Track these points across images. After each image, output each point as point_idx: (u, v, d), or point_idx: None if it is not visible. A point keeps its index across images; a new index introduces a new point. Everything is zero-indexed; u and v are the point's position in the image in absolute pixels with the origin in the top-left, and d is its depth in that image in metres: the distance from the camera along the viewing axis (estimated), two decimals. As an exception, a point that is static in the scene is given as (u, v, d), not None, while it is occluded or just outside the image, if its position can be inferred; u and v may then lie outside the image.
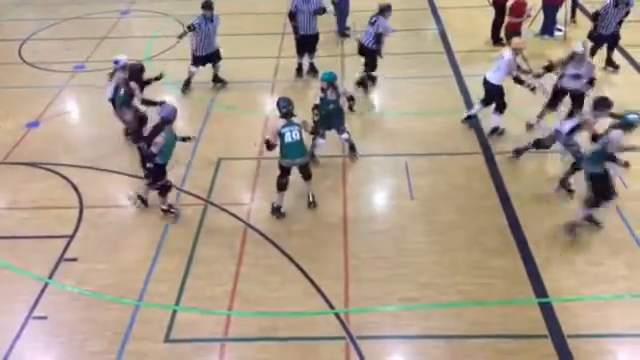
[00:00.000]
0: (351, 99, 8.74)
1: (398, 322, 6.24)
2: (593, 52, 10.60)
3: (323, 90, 8.21)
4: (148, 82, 8.79)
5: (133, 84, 8.42)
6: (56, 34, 13.52)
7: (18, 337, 6.21)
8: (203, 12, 10.07)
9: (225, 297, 6.57)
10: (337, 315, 6.31)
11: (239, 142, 9.18)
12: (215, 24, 10.28)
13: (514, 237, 7.23)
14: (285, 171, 7.52)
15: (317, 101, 8.25)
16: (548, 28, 12.16)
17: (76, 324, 6.34)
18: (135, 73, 8.50)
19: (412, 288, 6.60)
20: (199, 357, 5.96)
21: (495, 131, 9.08)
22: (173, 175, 8.42)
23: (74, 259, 7.16)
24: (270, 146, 7.41)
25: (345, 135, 8.54)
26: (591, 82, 8.65)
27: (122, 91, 8.37)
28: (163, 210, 7.68)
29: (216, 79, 10.76)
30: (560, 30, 12.23)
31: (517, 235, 7.25)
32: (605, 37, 10.59)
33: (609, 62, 10.91)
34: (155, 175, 7.45)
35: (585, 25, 12.55)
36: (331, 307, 6.40)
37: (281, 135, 7.29)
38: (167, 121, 7.32)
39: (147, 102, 8.56)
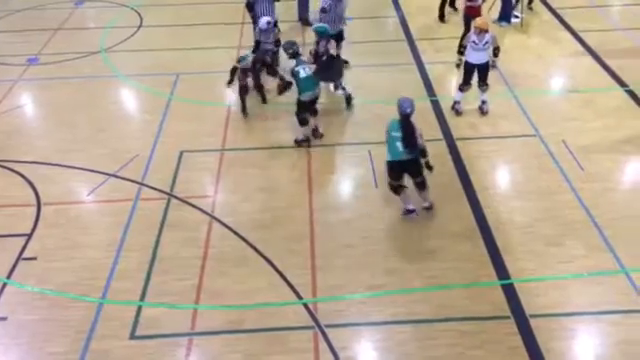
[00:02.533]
0: (337, 58, 9.39)
1: (365, 309, 6.29)
2: None
3: (315, 48, 9.06)
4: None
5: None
6: (8, 26, 13.06)
7: (-24, 340, 6.03)
8: None
9: (191, 291, 6.50)
10: (305, 305, 6.32)
11: (201, 134, 9.06)
12: (344, 4, 10.19)
13: (476, 222, 7.35)
14: (304, 107, 8.40)
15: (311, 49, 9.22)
16: (506, 15, 12.33)
17: (37, 324, 6.18)
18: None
19: (378, 275, 6.66)
20: (166, 353, 5.89)
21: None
22: (132, 169, 8.30)
23: (33, 258, 6.97)
24: (289, 84, 8.66)
25: (340, 92, 9.50)
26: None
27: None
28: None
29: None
30: (517, 17, 12.42)
31: (479, 220, 7.38)
32: None
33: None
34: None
35: (542, 11, 12.86)
36: (299, 297, 6.40)
37: (296, 73, 8.27)
38: None
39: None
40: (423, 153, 7.02)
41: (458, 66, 9.38)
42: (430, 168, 7.19)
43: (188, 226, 7.40)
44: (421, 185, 7.25)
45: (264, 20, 9.63)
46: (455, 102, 9.44)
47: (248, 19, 10.87)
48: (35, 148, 8.88)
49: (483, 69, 9.13)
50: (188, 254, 6.98)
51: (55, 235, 7.30)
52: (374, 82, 10.44)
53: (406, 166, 7.06)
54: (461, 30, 10.95)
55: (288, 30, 12.06)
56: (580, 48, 11.30)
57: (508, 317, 6.13)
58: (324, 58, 8.96)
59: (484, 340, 5.91)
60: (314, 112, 8.67)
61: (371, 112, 9.48)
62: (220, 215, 7.55)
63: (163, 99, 10.05)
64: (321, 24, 9.26)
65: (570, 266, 6.69)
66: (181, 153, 8.65)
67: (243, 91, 9.35)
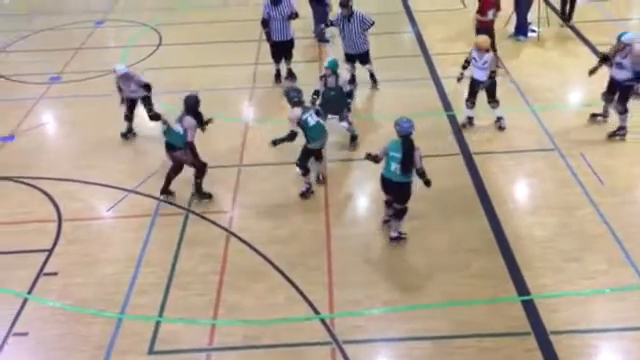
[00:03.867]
0: (349, 96, 8.87)
1: (383, 325, 6.25)
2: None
3: (324, 77, 8.67)
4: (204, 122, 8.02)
5: (191, 122, 7.70)
6: (30, 46, 13.36)
7: (-2, 355, 6.11)
8: (340, 10, 9.92)
9: (209, 306, 6.52)
10: (322, 320, 6.30)
11: (219, 150, 9.14)
12: (353, 24, 9.89)
13: (495, 237, 7.29)
14: (311, 154, 7.91)
15: (318, 87, 8.70)
16: (522, 28, 12.32)
17: (58, 339, 6.24)
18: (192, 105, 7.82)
19: (396, 290, 6.63)
20: (184, 368, 5.91)
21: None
22: (151, 185, 8.38)
23: (54, 273, 7.06)
24: (293, 136, 7.66)
25: (344, 123, 8.81)
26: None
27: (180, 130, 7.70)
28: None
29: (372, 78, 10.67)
30: (534, 31, 12.40)
31: (497, 234, 7.32)
32: None
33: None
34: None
35: (556, 22, 12.82)
36: (316, 312, 6.39)
37: (304, 121, 7.63)
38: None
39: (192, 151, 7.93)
40: (422, 174, 6.81)
41: (459, 80, 9.34)
42: (429, 184, 6.88)
43: (206, 241, 7.45)
44: (399, 213, 7.07)
45: (119, 67, 9.08)
46: (467, 117, 9.41)
47: (264, 36, 10.98)
48: (56, 165, 9.04)
49: (486, 87, 9.07)
50: (206, 269, 7.01)
51: (75, 251, 7.39)
52: (390, 97, 10.47)
53: (394, 188, 6.91)
54: None
55: (303, 47, 12.16)
56: (596, 61, 11.22)
57: (528, 333, 6.05)
58: (333, 93, 8.65)
59: (504, 357, 5.84)
60: (319, 158, 8.20)
61: (387, 127, 9.44)
62: (237, 230, 7.59)
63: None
64: (332, 59, 8.78)
65: (591, 282, 6.60)
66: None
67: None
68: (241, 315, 6.41)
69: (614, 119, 9.06)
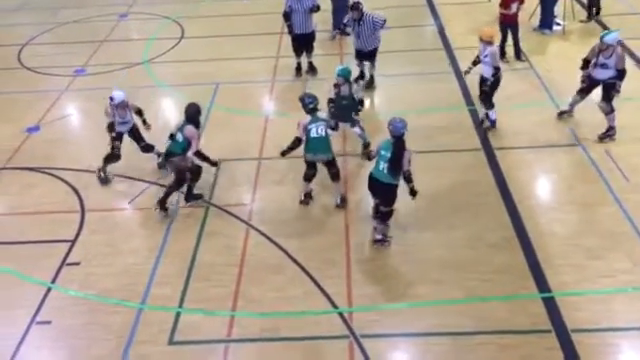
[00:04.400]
0: (360, 103, 8.54)
1: (402, 320, 6.24)
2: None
3: (337, 85, 8.42)
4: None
5: (192, 131, 7.57)
6: (55, 38, 13.54)
7: (22, 343, 6.22)
8: (351, 13, 9.86)
9: (228, 298, 6.58)
10: (340, 314, 6.31)
11: (239, 143, 9.18)
12: (364, 26, 9.78)
13: (516, 232, 7.22)
14: (309, 165, 7.62)
15: (332, 95, 8.50)
16: (547, 22, 12.12)
17: (80, 328, 6.35)
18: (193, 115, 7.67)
19: (415, 286, 6.60)
20: (203, 359, 5.97)
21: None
22: (172, 177, 8.43)
23: (77, 263, 7.18)
24: (299, 142, 7.44)
25: (357, 129, 8.61)
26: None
27: (181, 138, 7.56)
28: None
29: (371, 80, 10.50)
30: (559, 24, 12.19)
31: (518, 231, 7.24)
32: None
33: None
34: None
35: (582, 16, 12.57)
36: (334, 306, 6.40)
37: (308, 130, 7.38)
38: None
39: (201, 156, 8.16)
40: (408, 179, 6.64)
41: (465, 73, 9.24)
42: (414, 193, 6.71)
43: (226, 234, 7.50)
44: (384, 216, 6.95)
45: (117, 94, 8.14)
46: (485, 114, 9.30)
47: (286, 29, 10.97)
48: (80, 156, 9.16)
49: (482, 83, 8.93)
50: (225, 261, 7.07)
51: (98, 241, 7.50)
52: (412, 91, 10.39)
53: (380, 189, 6.78)
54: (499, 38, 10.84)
55: (324, 40, 12.12)
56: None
57: (549, 331, 5.99)
58: (345, 102, 8.41)
59: (524, 354, 5.78)
60: (334, 176, 7.64)
61: (409, 120, 9.38)
62: (257, 223, 7.62)
63: (203, 108, 10.20)
64: (344, 67, 8.56)
65: (613, 280, 6.49)
66: (220, 161, 8.78)
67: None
68: (259, 307, 6.45)
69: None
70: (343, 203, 7.75)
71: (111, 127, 8.33)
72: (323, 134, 7.39)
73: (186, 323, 6.34)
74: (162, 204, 7.75)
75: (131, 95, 10.65)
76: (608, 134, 8.67)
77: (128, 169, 8.69)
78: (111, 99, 8.08)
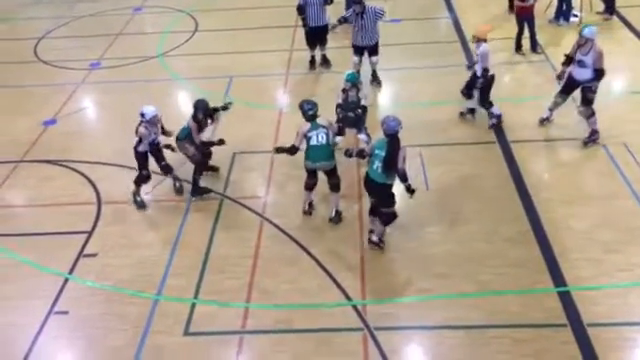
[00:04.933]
0: (364, 110, 8.28)
1: (416, 313, 6.24)
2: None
3: (345, 90, 8.21)
4: (215, 111, 8.14)
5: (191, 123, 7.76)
6: (71, 32, 13.64)
7: (40, 332, 6.32)
8: (353, 7, 9.74)
9: (242, 290, 6.62)
10: (354, 307, 6.33)
11: (253, 136, 9.20)
12: (367, 19, 9.63)
13: (531, 226, 7.17)
14: (311, 173, 7.34)
15: (339, 100, 8.27)
16: (564, 13, 11.96)
17: (97, 319, 6.43)
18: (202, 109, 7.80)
19: (429, 279, 6.59)
20: (218, 350, 6.02)
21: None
22: (188, 170, 8.49)
23: (94, 254, 7.26)
24: (294, 150, 7.18)
25: (363, 136, 8.40)
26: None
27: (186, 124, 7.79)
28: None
29: (374, 76, 10.37)
30: (576, 16, 12.04)
31: (534, 224, 7.20)
32: None
33: None
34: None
35: (599, 7, 12.40)
36: (348, 299, 6.42)
37: (308, 138, 7.10)
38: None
39: (206, 143, 7.96)
40: (403, 177, 6.49)
41: (469, 68, 9.00)
42: (411, 192, 6.54)
43: (240, 226, 7.54)
44: (386, 218, 6.75)
45: (149, 110, 7.60)
46: (467, 108, 9.17)
47: (300, 22, 10.96)
48: (96, 149, 9.24)
49: (475, 80, 8.71)
50: (240, 253, 7.11)
51: (114, 233, 7.57)
52: (426, 84, 10.34)
53: (375, 189, 6.63)
54: (515, 30, 10.75)
55: (337, 33, 12.04)
56: (643, 47, 10.88)
57: (564, 325, 5.95)
58: (352, 107, 8.18)
59: (539, 349, 5.76)
60: (333, 186, 7.36)
61: (422, 114, 9.39)
62: (271, 216, 7.65)
63: (217, 101, 10.23)
64: (351, 72, 8.40)
65: (630, 274, 6.44)
66: (234, 154, 8.82)
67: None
68: (274, 299, 6.49)
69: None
70: (337, 217, 7.42)
71: (140, 145, 7.71)
72: (324, 142, 7.07)
73: (201, 314, 6.40)
74: (195, 191, 7.93)
75: (146, 88, 10.83)
76: (592, 138, 8.37)
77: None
78: (142, 115, 7.52)
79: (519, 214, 7.38)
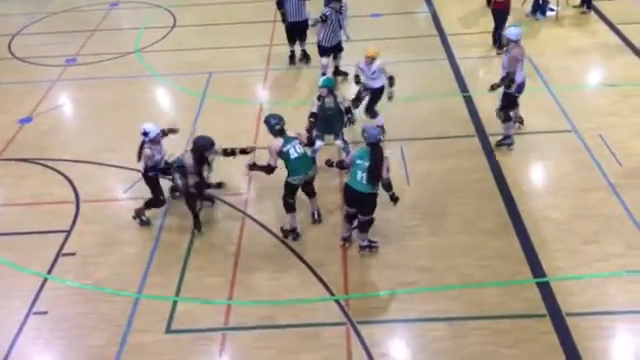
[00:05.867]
0: (348, 112, 7.90)
1: (398, 306, 6.28)
2: None
3: (320, 97, 7.76)
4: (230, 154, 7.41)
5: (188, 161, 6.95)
6: (46, 28, 13.40)
7: (19, 333, 6.23)
8: (332, 4, 9.62)
9: (225, 287, 6.59)
10: (337, 301, 6.34)
11: (233, 131, 9.14)
12: (342, 15, 9.73)
13: (510, 218, 7.26)
14: (293, 190, 6.97)
15: (314, 109, 7.76)
16: (541, 7, 12.09)
17: (77, 318, 6.36)
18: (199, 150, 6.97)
19: (411, 272, 6.64)
20: (200, 347, 5.99)
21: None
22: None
23: (72, 254, 7.17)
24: (271, 170, 6.83)
25: (339, 142, 8.09)
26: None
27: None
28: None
29: (337, 71, 10.30)
30: (552, 10, 12.17)
31: (513, 216, 7.28)
32: None
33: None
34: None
35: (575, 2, 12.55)
36: (331, 294, 6.43)
37: (285, 153, 6.74)
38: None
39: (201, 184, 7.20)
40: (388, 187, 6.44)
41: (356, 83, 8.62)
42: (395, 200, 6.54)
43: (221, 223, 7.50)
44: (364, 225, 6.67)
45: (151, 128, 7.05)
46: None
47: (279, 17, 10.91)
48: (73, 147, 9.12)
49: (374, 94, 8.57)
50: (222, 250, 7.08)
51: (93, 231, 7.49)
52: (406, 78, 10.34)
53: (359, 199, 6.46)
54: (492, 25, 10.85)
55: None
56: (618, 41, 11.01)
57: (544, 315, 6.04)
58: (330, 112, 7.74)
59: (519, 339, 5.84)
60: (311, 194, 7.22)
61: (402, 108, 9.43)
62: (253, 212, 7.62)
63: (196, 97, 10.19)
64: (327, 77, 8.03)
65: (608, 264, 6.55)
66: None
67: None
68: (256, 296, 6.47)
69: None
70: (320, 217, 7.39)
71: (149, 168, 7.16)
72: (302, 151, 6.83)
73: (183, 312, 6.36)
74: (198, 225, 7.29)
75: (124, 84, 10.70)
76: (504, 142, 8.35)
77: (122, 160, 8.66)
78: (145, 134, 6.97)
79: (499, 206, 7.46)
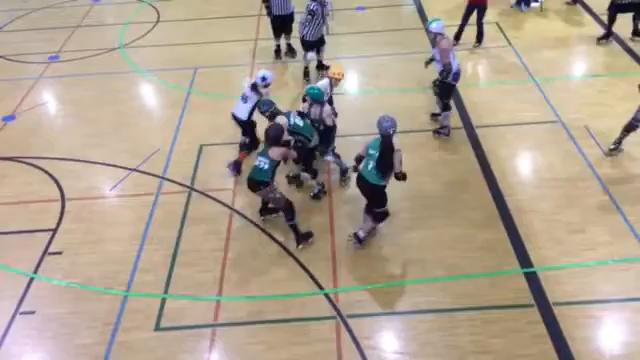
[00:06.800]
0: (332, 130, 7.58)
1: (387, 299, 6.30)
2: (611, 22, 10.40)
3: (309, 107, 7.42)
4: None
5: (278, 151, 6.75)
6: (28, 25, 13.21)
7: (6, 333, 6.17)
8: None
9: (213, 283, 6.57)
10: (326, 295, 6.35)
11: (220, 127, 9.10)
12: (327, 9, 9.72)
13: (497, 210, 7.29)
14: (313, 154, 7.44)
15: (303, 109, 7.48)
16: (525, -1, 12.13)
17: (65, 317, 6.31)
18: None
19: (399, 265, 6.66)
20: (190, 344, 5.97)
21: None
22: (153, 164, 8.39)
23: (59, 252, 7.10)
24: (291, 155, 6.84)
25: (329, 157, 7.77)
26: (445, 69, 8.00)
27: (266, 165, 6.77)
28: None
29: (320, 65, 10.28)
30: (537, 1, 12.20)
31: (500, 208, 7.32)
32: (628, 5, 10.14)
33: (636, 32, 10.56)
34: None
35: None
36: (320, 288, 6.43)
37: (294, 126, 7.11)
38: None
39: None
40: (403, 177, 6.40)
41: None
42: (400, 178, 6.41)
43: (209, 219, 7.47)
44: (378, 216, 6.64)
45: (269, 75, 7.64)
46: None
47: (264, 11, 10.84)
48: (58, 144, 9.02)
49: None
50: (210, 246, 7.04)
51: (80, 230, 7.42)
52: (391, 71, 10.38)
53: (367, 189, 6.52)
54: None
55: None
56: (602, 32, 11.07)
57: (531, 305, 6.09)
58: (316, 125, 7.41)
59: (507, 329, 5.88)
60: (322, 153, 7.62)
61: (389, 101, 9.43)
62: (240, 207, 7.60)
63: (182, 93, 10.11)
64: (316, 86, 7.39)
65: (594, 253, 6.62)
66: (201, 146, 8.71)
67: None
68: (246, 291, 6.46)
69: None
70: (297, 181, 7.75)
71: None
72: (304, 120, 7.24)
73: (172, 309, 6.33)
74: (301, 238, 6.96)
75: (108, 80, 10.59)
76: (441, 132, 8.48)
77: (108, 156, 8.59)
78: (263, 79, 7.74)
79: (486, 197, 7.49)
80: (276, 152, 6.64)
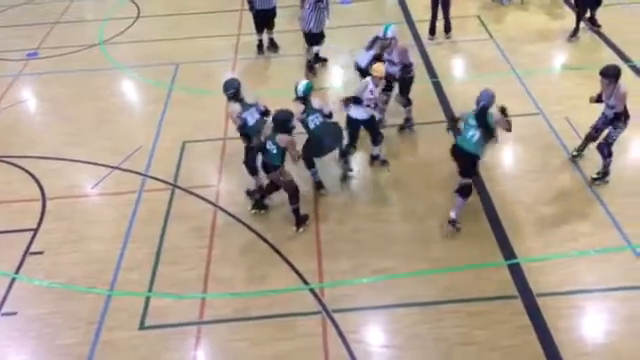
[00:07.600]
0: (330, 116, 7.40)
1: (372, 293, 6.31)
2: (579, 18, 10.55)
3: (305, 108, 7.16)
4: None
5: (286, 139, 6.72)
6: (5, 21, 13.00)
7: (-12, 335, 6.09)
8: None
9: (198, 280, 6.53)
10: (312, 290, 6.34)
11: (202, 123, 9.04)
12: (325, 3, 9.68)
13: (481, 202, 7.34)
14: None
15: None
16: (505, -8, 12.19)
17: (47, 318, 6.23)
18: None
19: (385, 259, 6.67)
20: (174, 342, 5.93)
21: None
22: (136, 161, 8.30)
23: (40, 252, 7.01)
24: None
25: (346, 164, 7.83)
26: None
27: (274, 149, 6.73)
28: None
29: (317, 58, 10.23)
30: (518, -6, 12.28)
31: (484, 200, 7.37)
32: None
33: (592, 21, 10.78)
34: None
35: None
36: (305, 283, 6.43)
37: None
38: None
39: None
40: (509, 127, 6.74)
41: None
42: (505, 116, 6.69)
43: (193, 216, 7.42)
44: (463, 190, 6.84)
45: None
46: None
47: (246, 5, 10.77)
48: (38, 143, 8.89)
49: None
50: (194, 244, 7.00)
51: (61, 229, 7.33)
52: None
53: (462, 157, 6.80)
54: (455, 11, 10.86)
55: (284, 16, 11.94)
56: (583, 24, 11.15)
57: (515, 297, 6.14)
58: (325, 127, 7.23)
59: (491, 320, 5.93)
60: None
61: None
62: (224, 204, 7.56)
63: (164, 89, 10.02)
64: (308, 82, 7.23)
65: (576, 244, 6.68)
66: (183, 143, 8.65)
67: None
68: (231, 288, 6.43)
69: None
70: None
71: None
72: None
73: (157, 307, 6.28)
74: (300, 221, 7.08)
75: (88, 77, 10.46)
76: (407, 126, 8.61)
77: (89, 155, 8.49)
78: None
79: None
80: (283, 140, 6.66)
